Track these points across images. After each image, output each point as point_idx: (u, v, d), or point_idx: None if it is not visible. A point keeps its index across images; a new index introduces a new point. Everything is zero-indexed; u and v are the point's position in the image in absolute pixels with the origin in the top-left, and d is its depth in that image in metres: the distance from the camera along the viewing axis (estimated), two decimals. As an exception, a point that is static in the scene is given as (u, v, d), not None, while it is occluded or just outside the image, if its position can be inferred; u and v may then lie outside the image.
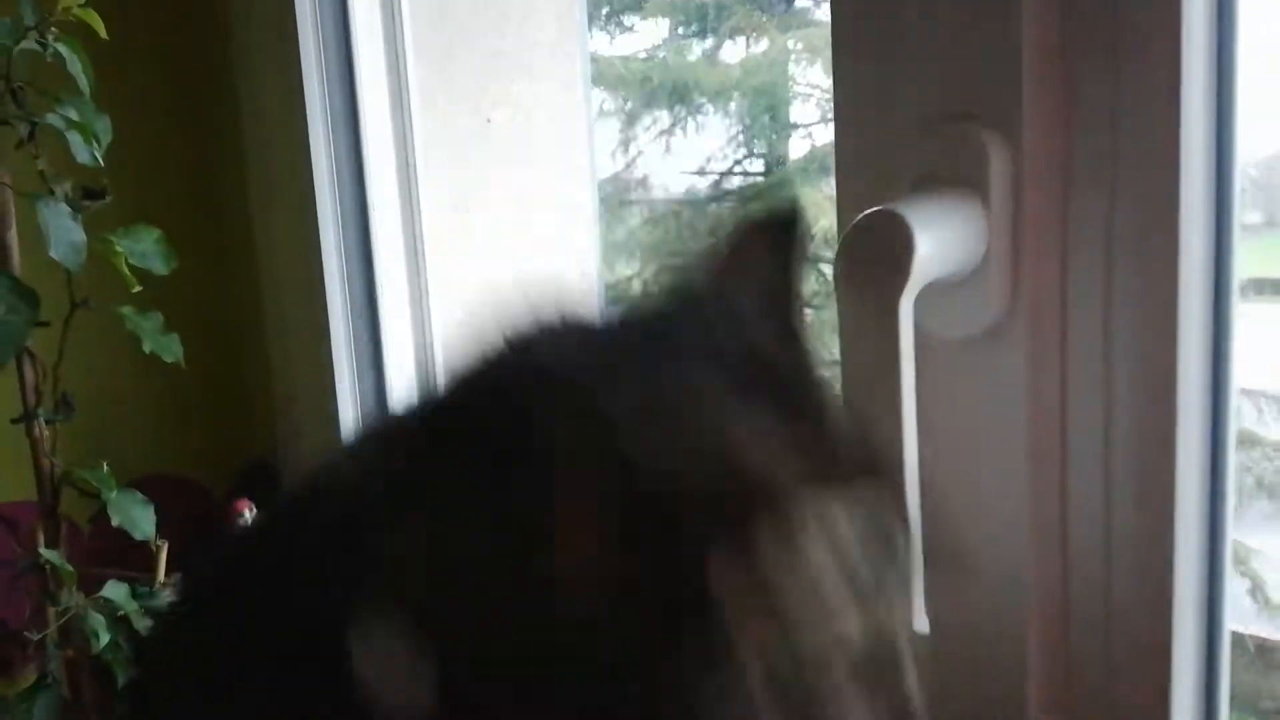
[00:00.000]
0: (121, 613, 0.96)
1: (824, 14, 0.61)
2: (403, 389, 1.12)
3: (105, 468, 1.00)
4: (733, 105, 6.03)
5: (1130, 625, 0.50)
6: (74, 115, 0.93)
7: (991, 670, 0.53)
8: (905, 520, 0.41)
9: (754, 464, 0.36)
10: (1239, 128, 0.51)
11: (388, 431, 0.47)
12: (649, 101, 5.98)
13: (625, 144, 6.11)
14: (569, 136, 1.53)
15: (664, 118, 6.04)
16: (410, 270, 1.14)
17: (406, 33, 1.13)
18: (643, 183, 6.45)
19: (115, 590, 0.95)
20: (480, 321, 0.42)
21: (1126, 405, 0.50)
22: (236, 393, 1.29)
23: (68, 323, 0.97)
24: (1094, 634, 0.51)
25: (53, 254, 0.92)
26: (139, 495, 1.01)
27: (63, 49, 0.92)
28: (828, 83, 0.62)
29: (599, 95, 5.79)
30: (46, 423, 1.00)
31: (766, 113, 5.99)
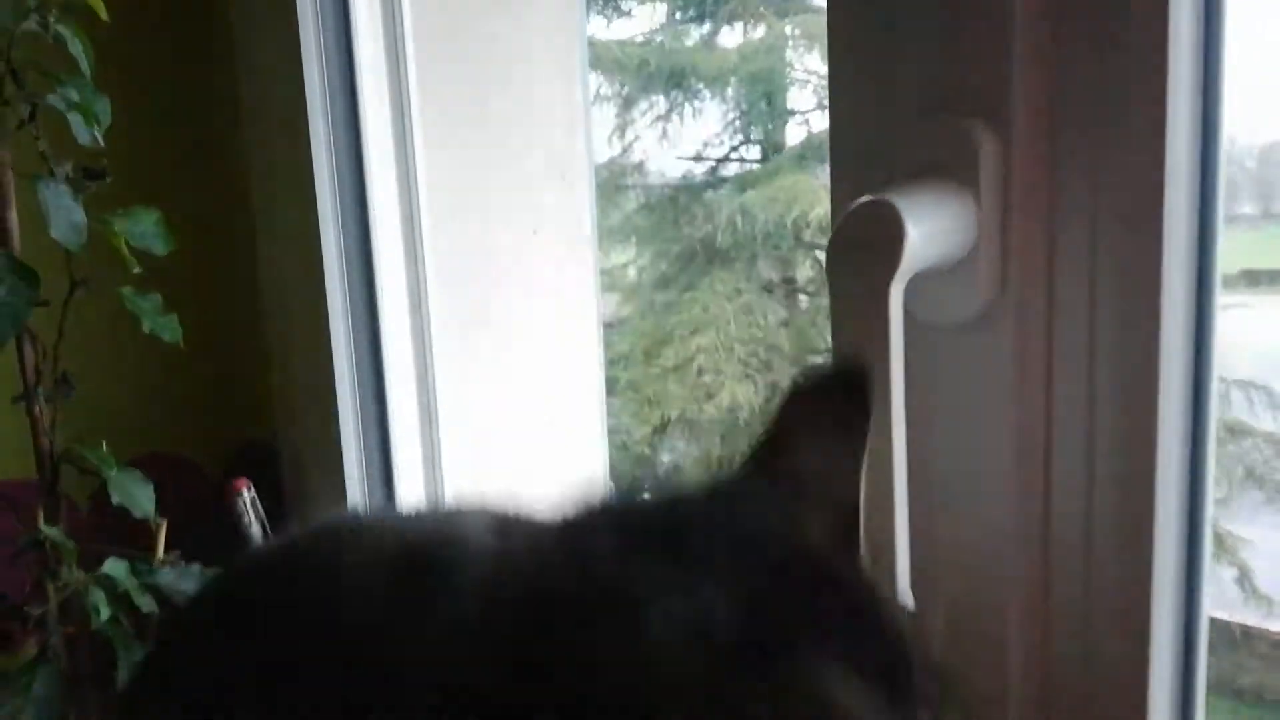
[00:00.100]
0: (121, 589, 0.97)
1: (822, 0, 0.62)
2: (400, 370, 1.13)
3: (104, 446, 1.01)
4: (729, 91, 6.01)
5: (1110, 609, 0.52)
6: (74, 96, 0.93)
7: (972, 651, 0.54)
8: None
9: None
10: (1225, 122, 0.52)
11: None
12: (646, 86, 5.96)
13: (622, 129, 6.08)
14: (566, 121, 1.53)
15: (660, 103, 6.02)
16: (408, 254, 1.15)
17: (405, 15, 1.14)
18: (639, 168, 6.42)
19: (115, 567, 0.96)
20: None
21: (1110, 393, 0.51)
22: (234, 373, 1.30)
23: (67, 303, 0.98)
24: (1074, 616, 0.52)
25: (53, 234, 0.93)
26: (138, 473, 1.02)
27: (63, 30, 0.93)
28: (825, 69, 0.62)
29: (595, 80, 5.76)
30: (46, 401, 1.01)
31: (763, 99, 5.96)
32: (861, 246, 0.49)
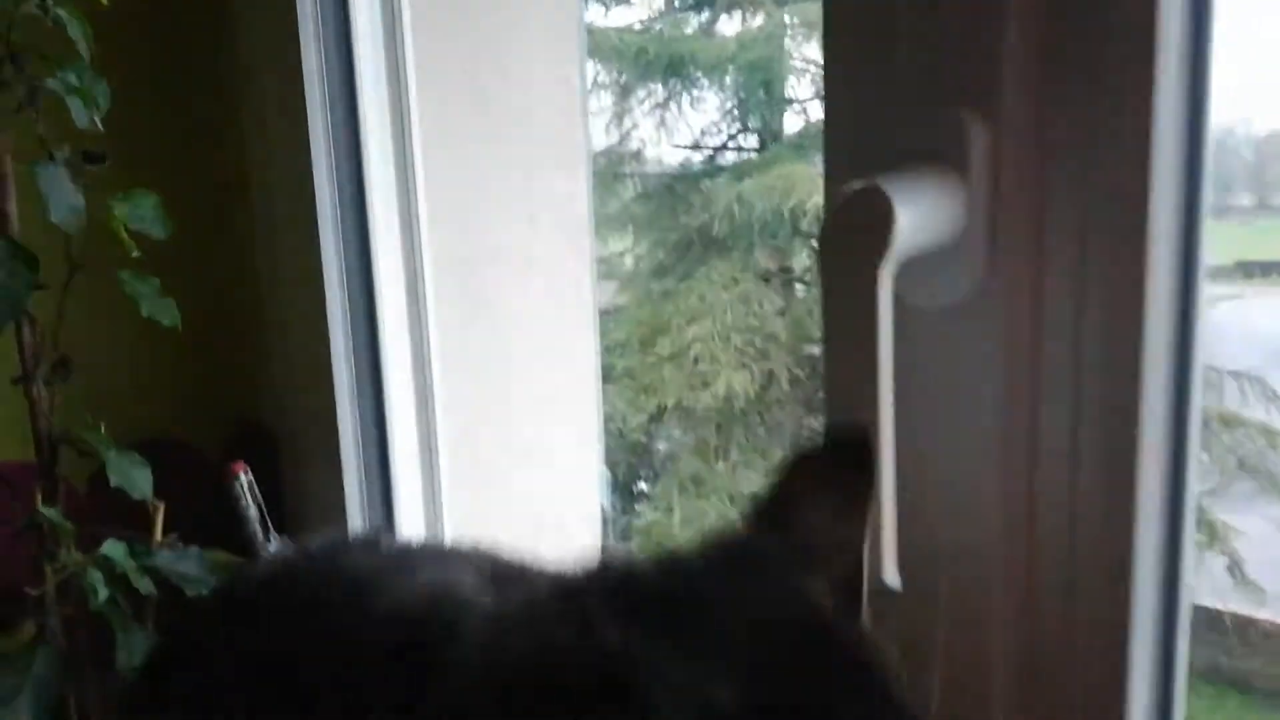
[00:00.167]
0: (120, 570, 0.97)
1: (819, -10, 0.62)
2: (397, 355, 1.14)
3: (102, 429, 1.02)
4: (728, 79, 6.00)
5: (1093, 586, 0.53)
6: (74, 80, 0.94)
7: (957, 627, 0.55)
8: None
9: None
10: (1212, 110, 0.53)
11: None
12: (644, 74, 5.94)
13: (619, 117, 6.07)
14: (564, 109, 1.53)
15: (658, 91, 6.01)
16: (405, 240, 1.15)
17: (404, 3, 1.14)
18: (637, 156, 6.40)
19: (113, 548, 0.97)
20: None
21: (1095, 376, 0.52)
22: (232, 357, 1.30)
23: (66, 286, 0.99)
24: (1058, 593, 0.53)
25: (53, 218, 0.93)
26: (136, 456, 1.02)
27: (63, 14, 0.93)
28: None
29: (593, 68, 5.74)
30: (45, 384, 1.02)
31: (761, 87, 5.95)
32: (852, 231, 0.50)
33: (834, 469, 0.44)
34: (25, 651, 0.99)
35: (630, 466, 5.37)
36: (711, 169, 5.79)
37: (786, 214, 5.03)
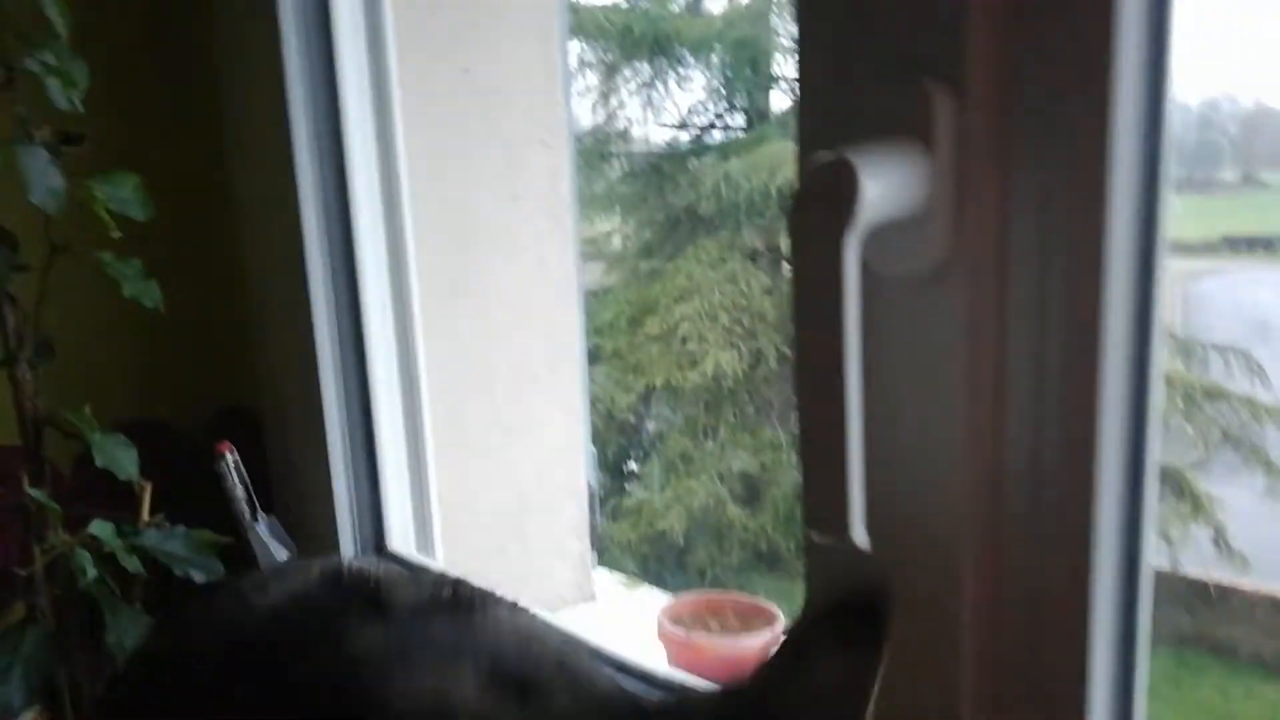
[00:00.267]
0: (108, 550, 0.98)
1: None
2: (381, 334, 1.14)
3: (87, 410, 1.03)
4: (714, 58, 5.97)
5: (1057, 550, 0.54)
6: (52, 60, 0.93)
7: (925, 588, 0.57)
8: None
9: None
10: (1171, 87, 0.54)
11: None
12: (629, 53, 5.92)
13: (605, 96, 6.04)
14: (546, 87, 1.53)
15: (644, 70, 5.98)
16: (388, 219, 1.16)
17: (384, -20, 1.14)
18: (623, 136, 6.38)
19: (101, 528, 0.98)
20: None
21: (1058, 345, 0.53)
22: (216, 337, 1.31)
23: (48, 268, 0.99)
24: (1023, 553, 0.55)
25: (33, 199, 0.94)
26: (122, 437, 1.03)
27: (38, -7, 0.93)
28: (801, 34, 0.64)
29: (579, 47, 5.71)
30: (28, 366, 1.02)
31: (748, 65, 5.93)
32: (819, 201, 0.51)
33: (849, 621, 0.45)
34: (15, 631, 1.00)
35: (620, 446, 5.39)
36: (698, 148, 5.79)
37: (774, 193, 5.04)
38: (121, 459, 1.02)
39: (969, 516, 0.55)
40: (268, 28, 1.10)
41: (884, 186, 0.52)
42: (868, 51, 0.59)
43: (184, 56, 1.28)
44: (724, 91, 5.96)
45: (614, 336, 5.24)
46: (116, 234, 1.00)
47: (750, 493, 4.83)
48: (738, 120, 6.04)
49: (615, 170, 5.86)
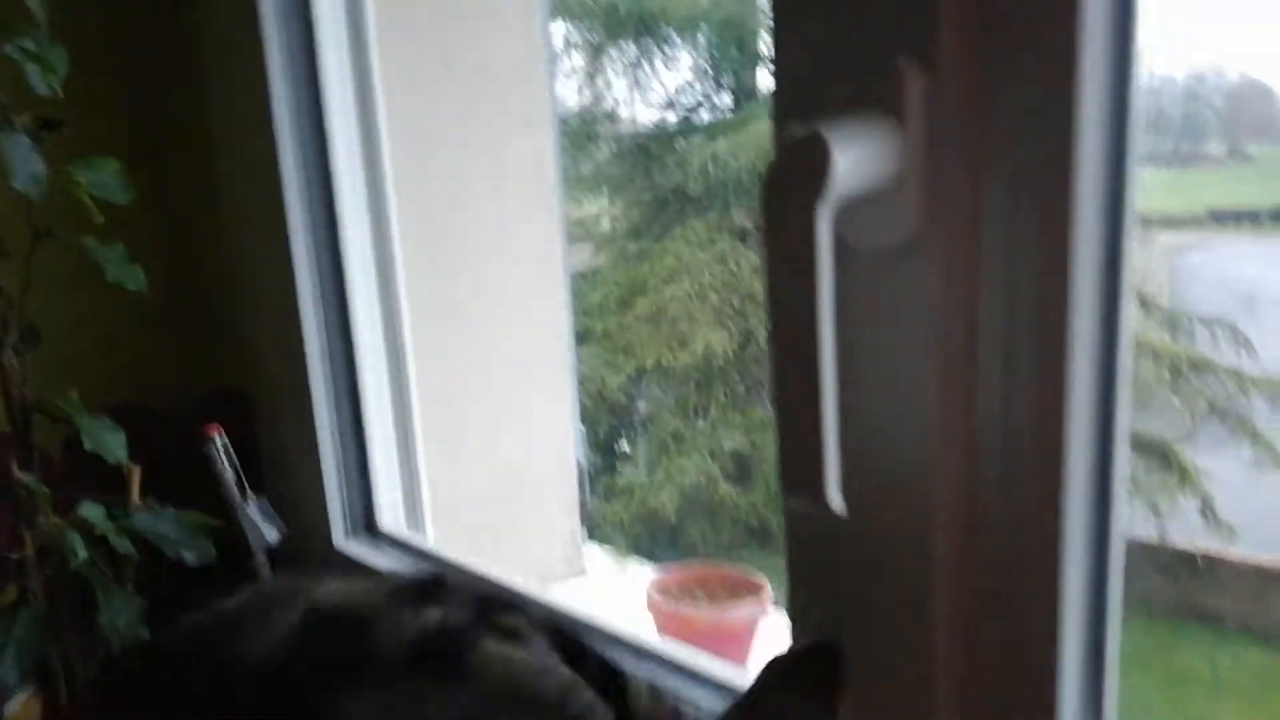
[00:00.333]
0: (98, 532, 0.99)
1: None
2: (368, 315, 1.15)
3: (74, 395, 1.03)
4: (700, 37, 5.95)
5: (1027, 521, 0.55)
6: (31, 46, 0.93)
7: (899, 549, 0.58)
8: None
9: None
10: (1138, 61, 0.55)
11: None
12: (615, 33, 5.89)
13: (592, 77, 6.01)
14: (529, 69, 1.53)
15: (630, 50, 5.95)
16: (372, 202, 1.16)
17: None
18: (610, 116, 6.35)
19: (91, 510, 0.99)
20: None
21: (1029, 313, 0.54)
22: (202, 320, 1.31)
23: (31, 254, 0.99)
24: (995, 526, 0.56)
25: (15, 184, 0.94)
26: (109, 421, 1.04)
27: (16, -21, 0.93)
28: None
29: (564, 27, 5.68)
30: (15, 353, 1.02)
31: (734, 44, 5.91)
32: (792, 175, 0.51)
33: (804, 672, 0.50)
34: (7, 614, 1.01)
35: (611, 427, 5.40)
36: (686, 128, 5.77)
37: (762, 172, 5.02)
38: (109, 442, 1.03)
39: (941, 482, 0.56)
40: (248, 10, 1.10)
41: (856, 160, 0.53)
42: (842, 29, 0.59)
43: (163, 40, 1.28)
44: (711, 71, 5.94)
45: (604, 318, 5.25)
46: (100, 219, 1.00)
47: (741, 471, 4.85)
48: (725, 100, 6.02)
49: (603, 151, 5.85)
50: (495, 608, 0.53)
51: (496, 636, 0.51)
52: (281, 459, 1.22)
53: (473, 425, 1.37)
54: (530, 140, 1.50)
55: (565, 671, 0.50)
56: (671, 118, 5.96)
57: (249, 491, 1.17)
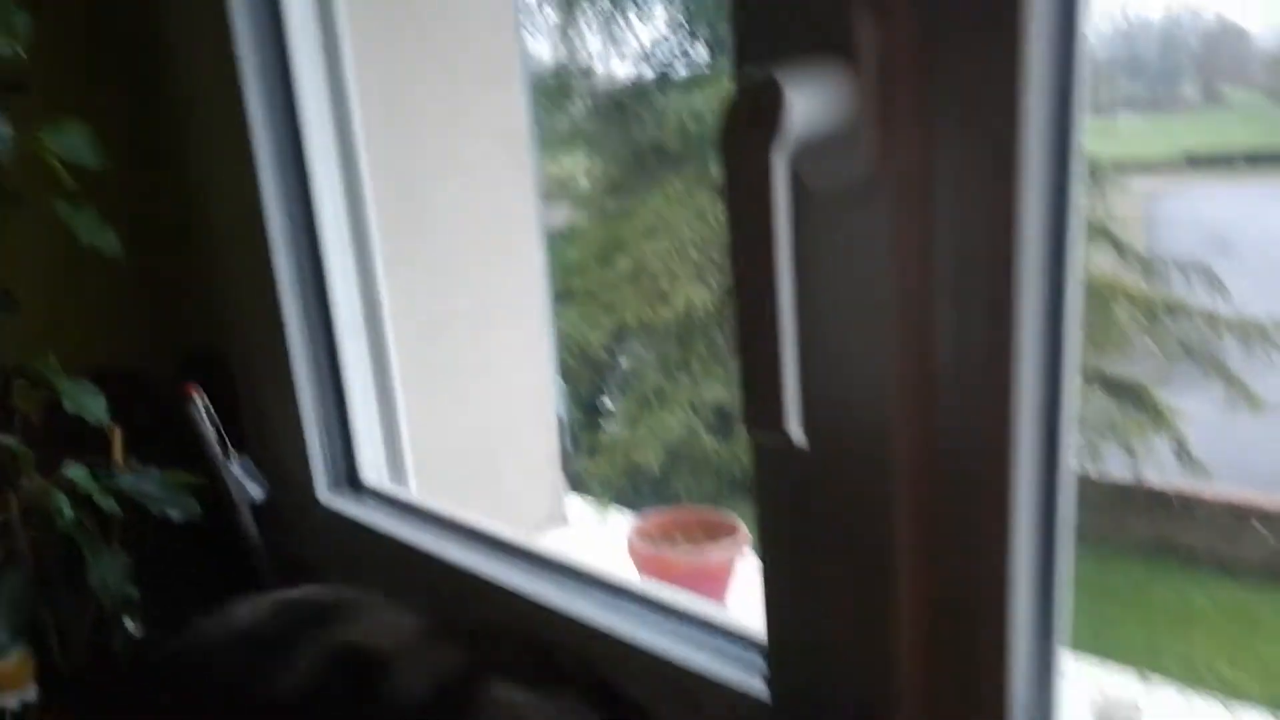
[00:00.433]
0: (84, 493, 1.00)
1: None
2: (343, 272, 1.15)
3: (52, 359, 1.04)
4: (675, -13, 5.86)
5: (981, 452, 0.57)
6: (-9, 9, 0.93)
7: (859, 483, 0.60)
8: None
9: None
10: (1084, 13, 0.56)
11: None
12: (589, -15, 5.79)
13: (565, 32, 5.94)
14: (498, 23, 1.53)
15: (603, 3, 5.89)
16: (343, 158, 1.16)
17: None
18: (586, 73, 6.29)
19: (75, 470, 1.00)
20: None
21: (981, 250, 0.56)
22: (178, 280, 1.31)
23: (2, 219, 0.99)
24: (950, 455, 0.58)
25: (-18, 148, 0.94)
26: (89, 384, 1.04)
27: (-26, -60, 0.92)
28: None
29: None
30: (-8, 318, 1.03)
31: (709, -5, 5.82)
32: (748, 118, 0.53)
33: None
34: (-4, 575, 1.02)
35: (594, 384, 5.43)
36: (662, 83, 5.74)
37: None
38: (90, 405, 1.03)
39: (899, 414, 0.59)
40: (212, -31, 1.09)
41: (811, 103, 0.54)
42: (797, -27, 0.60)
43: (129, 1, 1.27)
44: (685, 24, 5.89)
45: (584, 275, 5.25)
46: (71, 185, 1.00)
47: (723, 422, 4.89)
48: (701, 53, 5.97)
49: (579, 108, 5.81)
50: (523, 651, 0.56)
51: (513, 682, 0.54)
52: (262, 417, 1.23)
53: (453, 381, 1.39)
54: (501, 97, 1.50)
55: None
56: (648, 72, 5.92)
57: (231, 450, 1.19)
